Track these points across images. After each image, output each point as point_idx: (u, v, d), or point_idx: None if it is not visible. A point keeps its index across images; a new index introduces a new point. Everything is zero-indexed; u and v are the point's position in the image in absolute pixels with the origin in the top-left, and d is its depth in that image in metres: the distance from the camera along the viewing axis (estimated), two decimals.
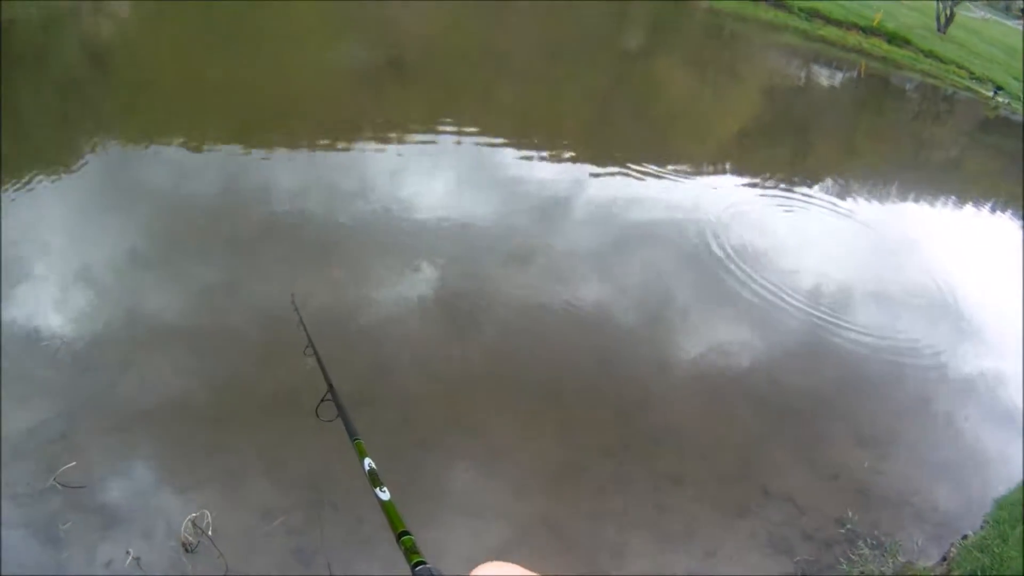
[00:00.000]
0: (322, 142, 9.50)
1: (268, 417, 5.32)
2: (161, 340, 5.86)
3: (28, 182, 7.69)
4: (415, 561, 0.90)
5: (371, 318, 6.48)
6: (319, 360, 2.99)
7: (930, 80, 24.21)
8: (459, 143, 10.22)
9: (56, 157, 8.36)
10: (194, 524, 4.36)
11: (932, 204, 13.74)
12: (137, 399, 5.26)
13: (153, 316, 6.10)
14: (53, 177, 7.86)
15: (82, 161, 8.32)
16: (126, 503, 4.55)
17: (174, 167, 8.45)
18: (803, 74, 21.61)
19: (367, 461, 1.34)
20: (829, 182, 12.43)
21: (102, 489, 4.59)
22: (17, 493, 4.43)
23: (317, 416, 2.22)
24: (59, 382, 5.28)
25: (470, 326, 6.67)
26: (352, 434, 1.58)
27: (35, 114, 9.47)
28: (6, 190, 7.50)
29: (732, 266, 8.57)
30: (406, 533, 0.98)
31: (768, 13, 26.27)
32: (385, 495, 1.16)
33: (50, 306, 6.03)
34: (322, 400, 2.22)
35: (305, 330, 3.92)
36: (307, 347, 3.62)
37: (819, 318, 7.95)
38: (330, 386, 2.34)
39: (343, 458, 4.72)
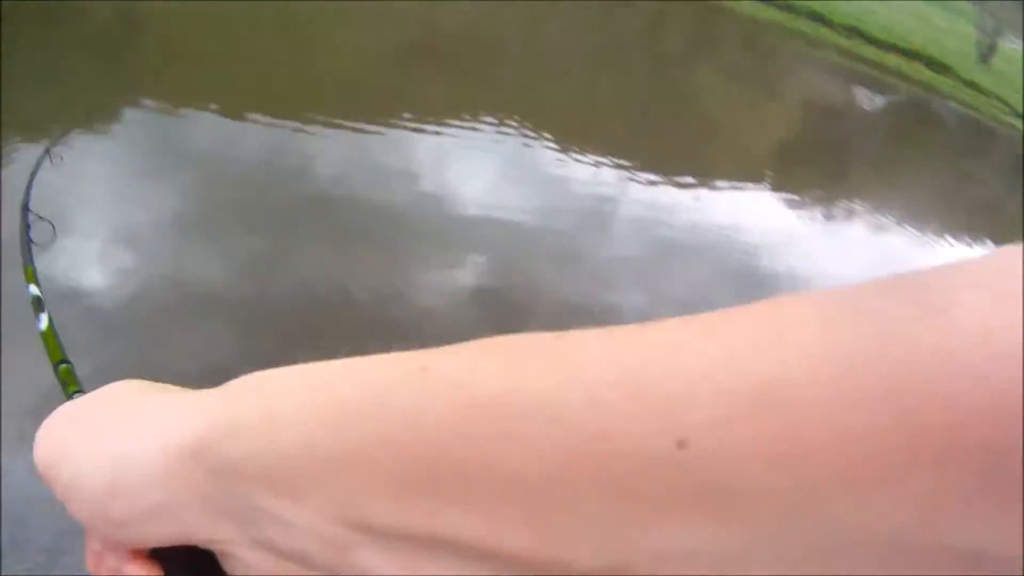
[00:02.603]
0: (359, 120, 9.37)
1: None
2: (194, 309, 5.81)
3: (65, 138, 7.55)
4: (72, 391, 0.86)
5: (404, 311, 6.36)
6: None
7: (970, 111, 23.98)
8: (498, 134, 10.12)
9: (91, 116, 8.26)
10: None
11: (970, 246, 13.54)
12: (176, 367, 5.13)
13: (188, 284, 6.08)
14: (90, 135, 7.76)
15: (117, 121, 8.23)
16: None
17: (210, 134, 8.37)
18: (841, 94, 21.41)
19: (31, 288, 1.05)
20: (863, 210, 12.24)
21: None
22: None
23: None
24: (92, 343, 5.16)
25: (507, 327, 6.51)
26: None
27: (67, 72, 9.36)
28: (40, 143, 7.40)
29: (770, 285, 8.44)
30: (64, 362, 0.90)
31: (809, 27, 26.02)
32: (43, 324, 0.97)
33: (88, 264, 5.96)
34: None
35: None
36: None
37: None
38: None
39: None
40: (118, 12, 11.99)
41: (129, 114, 8.50)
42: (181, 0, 13.43)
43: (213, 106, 8.91)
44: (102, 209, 6.72)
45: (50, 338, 0.91)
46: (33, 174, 1.21)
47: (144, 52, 10.84)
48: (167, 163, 7.69)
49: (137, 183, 7.22)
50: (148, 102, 8.75)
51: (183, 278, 6.11)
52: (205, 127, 8.54)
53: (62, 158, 1.31)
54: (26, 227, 1.05)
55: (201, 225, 6.83)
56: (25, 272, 0.99)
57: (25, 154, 7.32)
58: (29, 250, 1.02)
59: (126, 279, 5.94)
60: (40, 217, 1.09)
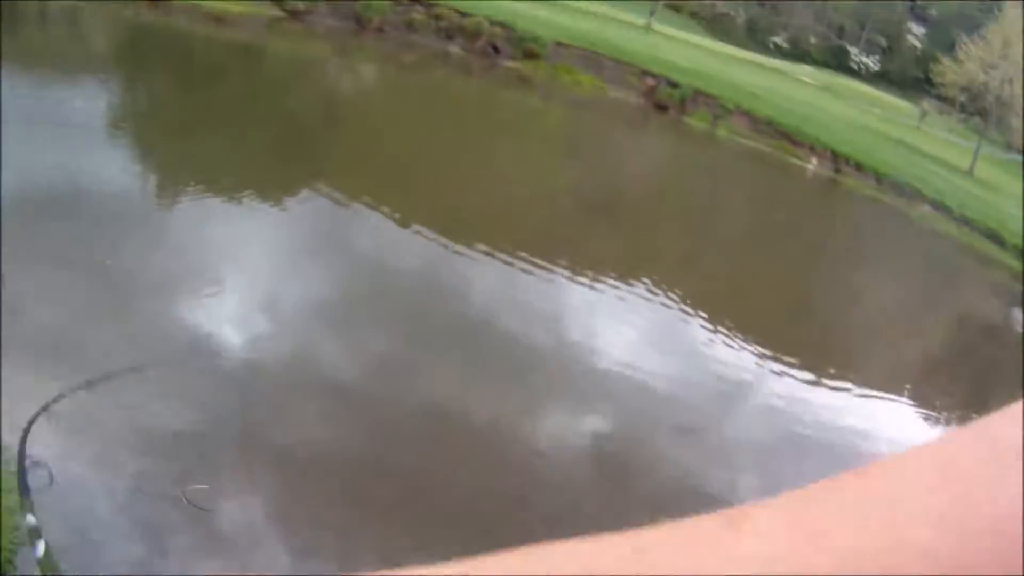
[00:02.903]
0: (520, 256, 9.67)
1: (389, 509, 5.42)
2: (315, 394, 6.12)
3: (239, 200, 8.07)
4: None
5: (520, 447, 6.47)
6: None
7: None
8: (653, 300, 10.33)
9: (271, 185, 8.75)
10: None
11: None
12: (282, 442, 5.44)
13: (317, 368, 6.31)
14: (265, 202, 8.19)
15: (292, 197, 8.66)
16: (239, 540, 4.76)
17: (374, 234, 8.78)
18: (999, 313, 20.79)
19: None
20: None
21: (221, 519, 4.75)
22: (142, 488, 4.60)
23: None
24: (216, 401, 5.53)
25: (619, 485, 6.58)
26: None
27: (262, 141, 9.99)
28: (220, 199, 7.93)
29: None
30: None
31: (982, 244, 25.49)
32: (39, 551, 1.07)
33: (226, 321, 6.25)
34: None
35: None
36: None
37: None
38: None
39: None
40: (324, 104, 12.88)
41: (306, 194, 8.95)
42: (385, 103, 14.28)
43: (385, 208, 9.34)
44: (253, 272, 7.02)
45: (47, 566, 1.02)
46: (27, 428, 1.37)
47: (336, 142, 11.50)
48: (326, 249, 8.06)
49: (294, 258, 7.57)
50: (326, 188, 9.28)
51: (314, 360, 6.35)
52: (371, 226, 8.96)
53: (57, 418, 1.46)
54: (23, 471, 1.23)
55: (343, 315, 7.11)
56: (22, 505, 1.16)
57: (199, 204, 7.87)
58: (27, 489, 1.19)
59: (259, 345, 6.24)
60: (36, 463, 1.27)
